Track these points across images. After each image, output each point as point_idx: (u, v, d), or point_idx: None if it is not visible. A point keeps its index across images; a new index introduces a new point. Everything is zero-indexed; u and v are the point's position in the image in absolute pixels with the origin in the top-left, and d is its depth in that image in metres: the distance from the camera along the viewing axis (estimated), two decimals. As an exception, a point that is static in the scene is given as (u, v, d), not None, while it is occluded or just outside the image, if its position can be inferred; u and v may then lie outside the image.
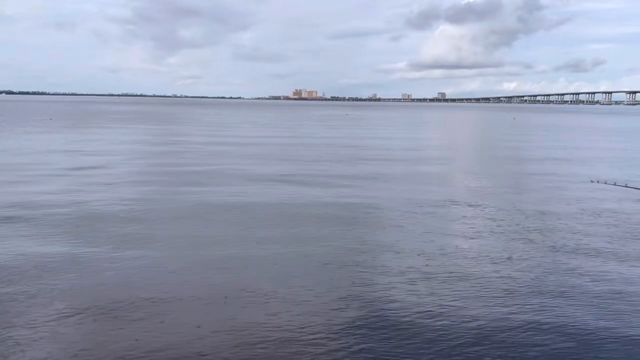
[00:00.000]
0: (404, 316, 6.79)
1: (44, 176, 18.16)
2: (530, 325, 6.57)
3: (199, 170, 20.25)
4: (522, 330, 6.41)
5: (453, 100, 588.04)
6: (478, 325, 6.46)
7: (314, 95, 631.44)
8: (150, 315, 6.82)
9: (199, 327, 6.47)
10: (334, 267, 8.77)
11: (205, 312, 6.96)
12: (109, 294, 7.45)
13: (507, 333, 6.37)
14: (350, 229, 11.28)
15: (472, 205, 14.22)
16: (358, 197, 14.98)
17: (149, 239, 10.30)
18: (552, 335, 6.26)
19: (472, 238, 10.83)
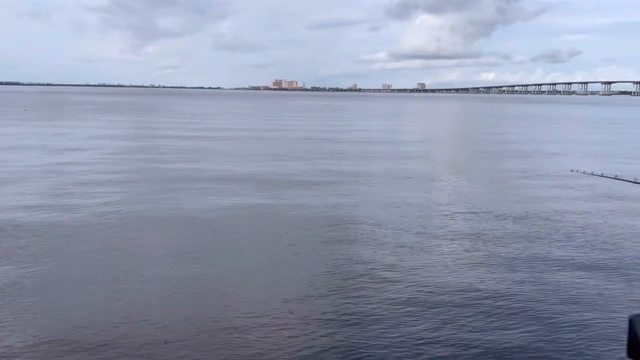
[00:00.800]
0: (383, 311, 6.70)
1: (15, 177, 17.14)
2: (506, 314, 6.54)
3: (173, 170, 19.81)
4: (499, 321, 6.36)
5: (433, 90, 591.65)
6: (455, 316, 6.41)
7: (294, 85, 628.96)
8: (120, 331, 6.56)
9: (165, 342, 6.28)
10: (312, 269, 8.64)
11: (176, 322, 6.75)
12: (74, 318, 6.89)
13: (484, 323, 6.32)
14: (329, 231, 11.11)
15: (450, 199, 14.24)
16: (338, 198, 14.83)
17: (115, 250, 9.78)
18: (520, 320, 6.27)
19: (449, 233, 10.80)
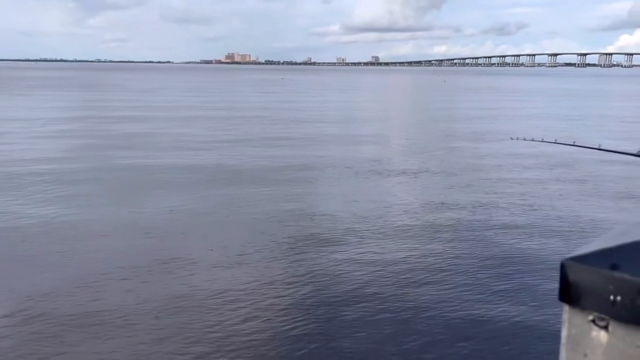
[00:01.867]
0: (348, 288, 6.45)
1: None
2: (448, 272, 6.46)
3: (114, 158, 18.86)
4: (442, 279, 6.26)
5: (386, 64, 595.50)
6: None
7: (247, 59, 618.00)
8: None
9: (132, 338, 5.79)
10: (268, 231, 8.26)
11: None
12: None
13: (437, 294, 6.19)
14: (285, 193, 10.76)
15: (396, 167, 14.16)
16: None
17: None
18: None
19: (394, 198, 10.66)
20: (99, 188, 11.74)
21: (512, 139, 9.85)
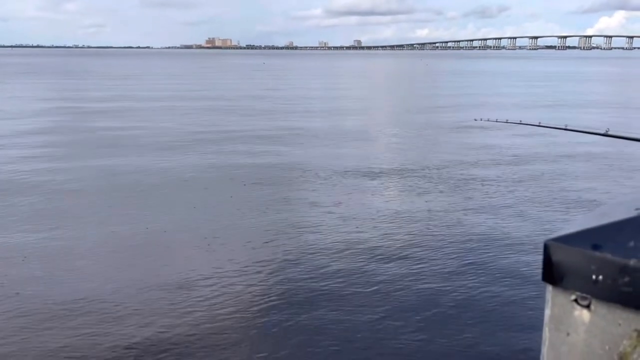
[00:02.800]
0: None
1: None
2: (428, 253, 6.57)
3: (96, 130, 18.58)
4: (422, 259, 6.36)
5: (369, 47, 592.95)
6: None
7: (228, 43, 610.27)
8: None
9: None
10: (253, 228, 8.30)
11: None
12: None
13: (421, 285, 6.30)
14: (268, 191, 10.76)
15: (372, 154, 14.21)
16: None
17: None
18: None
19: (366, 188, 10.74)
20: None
21: (475, 120, 9.94)
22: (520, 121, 7.90)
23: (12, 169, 12.04)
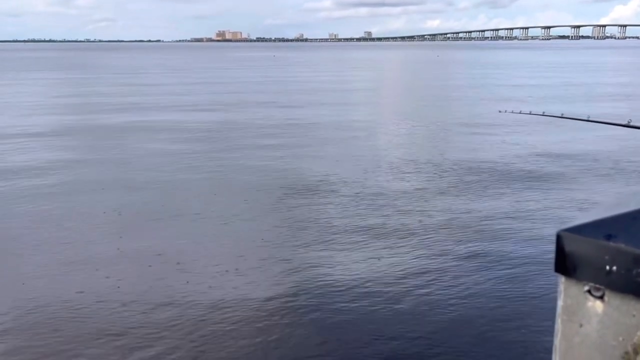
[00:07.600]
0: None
1: None
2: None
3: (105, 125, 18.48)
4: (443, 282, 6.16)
5: (379, 39, 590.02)
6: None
7: (238, 36, 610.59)
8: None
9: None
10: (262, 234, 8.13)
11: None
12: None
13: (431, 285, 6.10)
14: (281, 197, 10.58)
15: (390, 149, 13.96)
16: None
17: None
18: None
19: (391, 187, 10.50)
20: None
21: (500, 112, 9.68)
22: (543, 112, 7.64)
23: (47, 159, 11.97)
